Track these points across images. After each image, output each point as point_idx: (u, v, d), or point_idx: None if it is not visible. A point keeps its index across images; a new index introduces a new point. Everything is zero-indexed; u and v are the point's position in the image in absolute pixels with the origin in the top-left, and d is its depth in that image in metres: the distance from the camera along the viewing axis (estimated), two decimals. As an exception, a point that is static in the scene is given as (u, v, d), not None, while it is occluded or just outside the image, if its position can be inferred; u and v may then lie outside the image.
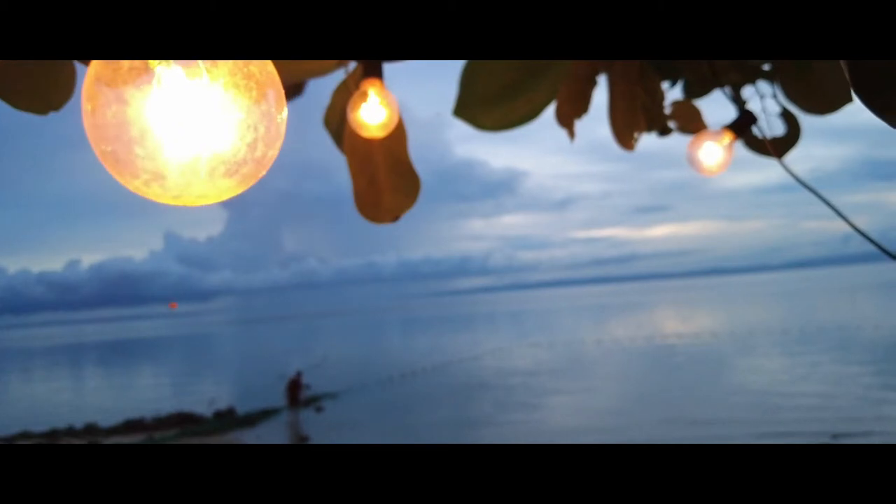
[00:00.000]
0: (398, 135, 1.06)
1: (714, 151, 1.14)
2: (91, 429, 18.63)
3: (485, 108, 1.17)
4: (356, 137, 1.00)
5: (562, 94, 1.15)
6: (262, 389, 22.50)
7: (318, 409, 19.82)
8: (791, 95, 1.10)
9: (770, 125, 1.15)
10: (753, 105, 1.16)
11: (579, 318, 64.63)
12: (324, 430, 17.11)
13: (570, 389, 20.41)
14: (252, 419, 18.84)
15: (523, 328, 56.11)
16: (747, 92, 1.16)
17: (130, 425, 18.70)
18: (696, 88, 1.17)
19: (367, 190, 1.08)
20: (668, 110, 1.20)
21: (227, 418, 19.04)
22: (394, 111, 0.97)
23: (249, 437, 16.73)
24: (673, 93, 1.20)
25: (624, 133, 1.19)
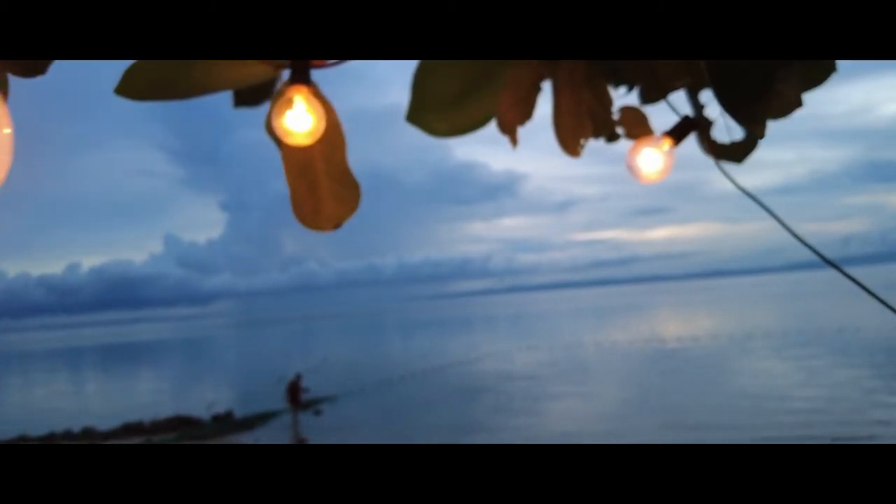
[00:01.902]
0: (337, 142, 1.06)
1: (653, 158, 1.15)
2: (89, 432, 18.61)
3: (438, 113, 1.17)
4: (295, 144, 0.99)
5: (505, 101, 1.15)
6: (261, 393, 22.47)
7: (317, 412, 19.79)
8: (745, 99, 1.09)
9: (730, 130, 1.14)
10: (711, 109, 1.15)
11: (579, 320, 64.68)
12: (322, 432, 17.08)
13: (568, 394, 20.38)
14: (250, 422, 18.82)
15: (523, 331, 56.14)
16: (705, 96, 1.15)
17: (128, 429, 18.68)
18: (651, 93, 1.15)
19: (308, 198, 1.08)
20: (616, 116, 1.19)
21: (225, 422, 19.01)
22: (320, 118, 0.97)
23: (248, 440, 16.71)
24: (629, 98, 1.19)
25: (570, 139, 1.19)
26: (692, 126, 1.13)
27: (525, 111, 1.13)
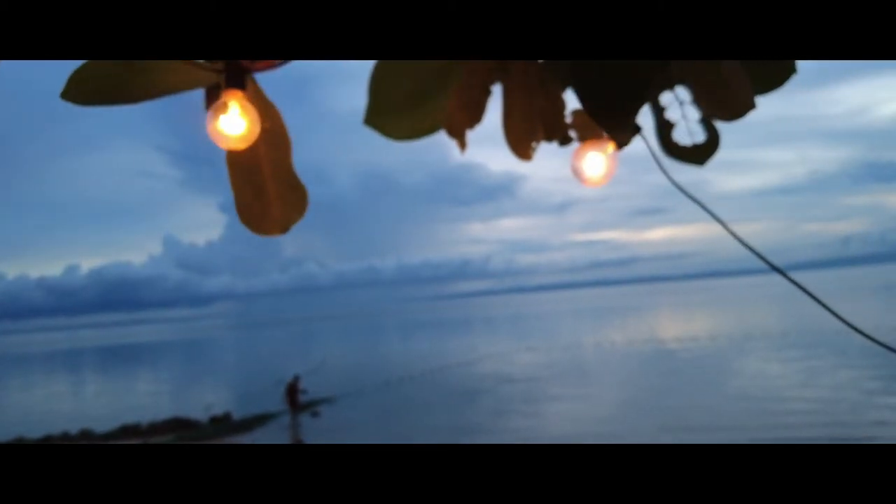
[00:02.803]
0: (283, 145, 1.05)
1: (597, 162, 1.15)
2: (86, 435, 18.59)
3: (394, 116, 1.16)
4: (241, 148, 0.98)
5: (453, 104, 1.13)
6: (259, 394, 22.46)
7: (315, 414, 19.77)
8: (699, 100, 1.09)
9: (691, 131, 1.13)
10: (673, 111, 1.14)
11: (578, 321, 64.68)
12: (320, 434, 17.05)
13: (566, 396, 20.35)
14: (248, 424, 18.80)
15: (522, 332, 56.11)
16: (666, 98, 1.13)
17: (126, 431, 18.66)
18: None
19: (255, 202, 1.07)
20: (568, 119, 1.18)
21: (223, 423, 18.99)
22: (254, 122, 0.96)
23: (245, 442, 16.66)
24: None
25: (521, 142, 1.18)
26: (636, 130, 1.12)
27: (475, 114, 1.12)
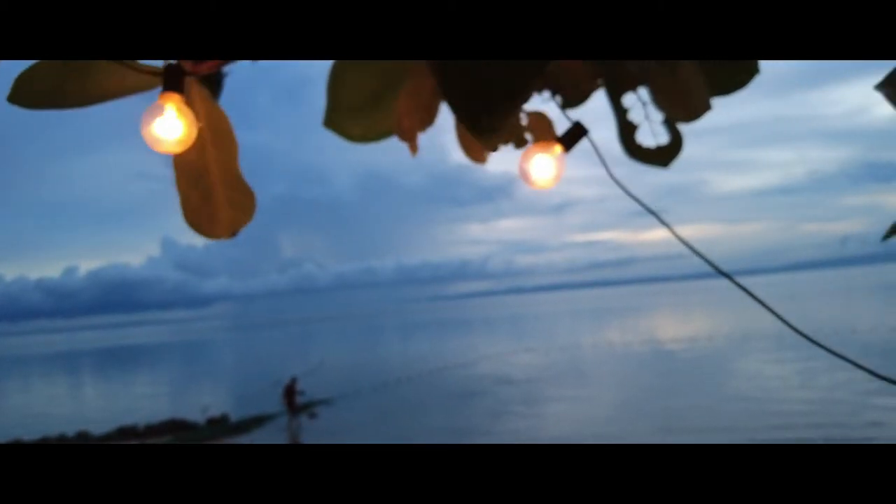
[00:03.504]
0: (231, 148, 1.04)
1: (545, 164, 1.15)
2: (83, 437, 18.56)
3: (352, 118, 1.15)
4: (190, 150, 0.98)
5: (402, 107, 1.11)
6: (257, 396, 22.41)
7: (312, 416, 19.76)
8: (658, 101, 1.08)
9: (655, 133, 1.12)
10: (635, 113, 1.13)
11: (577, 322, 64.69)
12: (317, 436, 17.03)
13: (563, 397, 20.33)
14: (245, 426, 18.78)
15: (521, 333, 56.10)
16: (628, 99, 1.12)
17: (123, 433, 18.64)
18: (573, 97, 1.13)
19: (202, 205, 1.05)
20: (524, 121, 1.16)
21: (220, 425, 18.97)
22: (192, 126, 0.95)
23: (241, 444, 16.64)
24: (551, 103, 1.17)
25: (473, 145, 1.16)
26: (583, 132, 1.11)
27: (426, 117, 1.10)
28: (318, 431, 17.70)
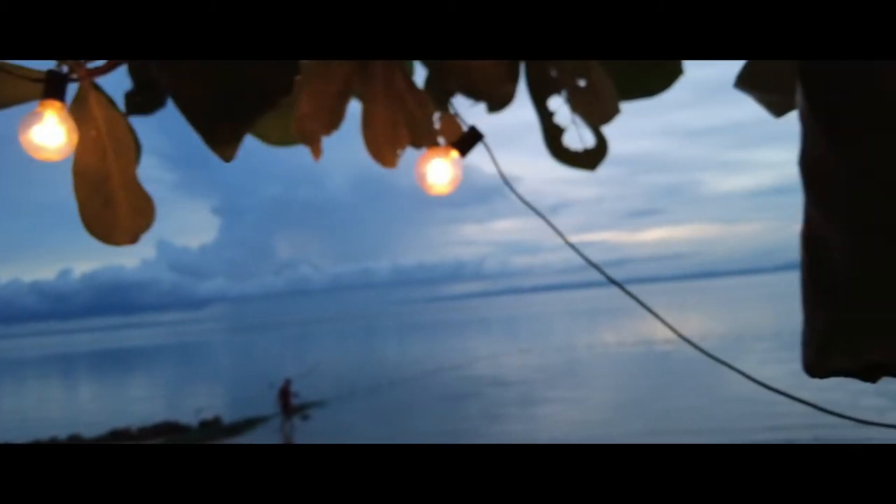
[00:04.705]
0: (131, 154, 1.02)
1: (441, 168, 1.14)
2: (75, 440, 18.50)
3: (270, 120, 1.12)
4: (89, 156, 0.95)
5: (304, 109, 1.09)
6: (251, 398, 22.37)
7: (305, 418, 19.76)
8: (572, 105, 1.07)
9: (582, 137, 1.11)
10: (561, 115, 1.12)
11: (572, 322, 64.81)
12: (310, 438, 17.00)
13: (558, 399, 20.33)
14: (238, 428, 18.76)
15: (516, 334, 56.17)
16: (553, 102, 1.11)
17: (115, 435, 18.60)
18: (493, 100, 1.12)
19: (103, 212, 1.03)
20: (436, 125, 1.15)
21: (213, 427, 18.94)
22: (73, 133, 0.93)
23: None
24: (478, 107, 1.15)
25: (384, 149, 1.15)
26: (478, 137, 1.10)
27: (330, 120, 1.08)
28: (311, 433, 17.68)
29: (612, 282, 1.24)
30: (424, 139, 1.11)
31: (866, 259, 0.56)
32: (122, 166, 1.00)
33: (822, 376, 0.63)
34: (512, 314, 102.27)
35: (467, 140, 1.11)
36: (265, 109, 0.81)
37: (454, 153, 1.10)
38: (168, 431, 18.69)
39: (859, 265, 0.57)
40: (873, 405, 15.40)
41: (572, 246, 1.17)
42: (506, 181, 1.10)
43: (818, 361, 0.62)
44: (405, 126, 1.10)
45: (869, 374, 0.61)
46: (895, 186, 0.55)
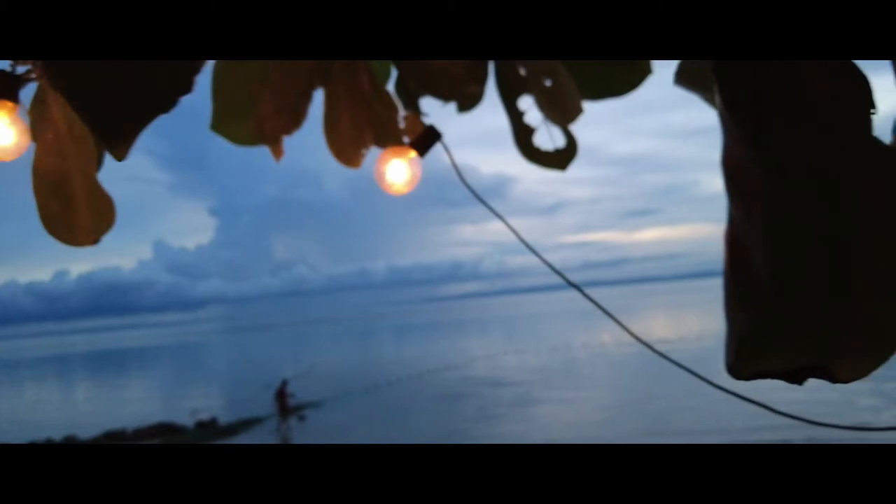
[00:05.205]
0: (91, 155, 1.02)
1: (399, 168, 1.14)
2: (70, 441, 18.45)
3: (236, 120, 1.12)
4: (48, 157, 0.95)
5: (264, 110, 1.09)
6: (247, 399, 22.35)
7: (301, 418, 19.74)
8: (538, 105, 1.07)
9: (553, 137, 1.11)
10: (531, 116, 1.12)
11: (569, 322, 64.78)
12: (306, 438, 16.99)
13: (554, 399, 20.34)
14: (234, 429, 18.74)
15: (513, 334, 56.19)
16: (524, 102, 1.11)
17: (111, 437, 18.57)
18: (462, 100, 1.12)
19: (63, 213, 1.03)
20: (401, 124, 1.15)
21: (208, 428, 18.91)
22: (24, 134, 0.94)
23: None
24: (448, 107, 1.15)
25: (348, 149, 1.15)
26: (435, 137, 1.10)
27: (292, 120, 1.07)
28: (307, 434, 17.66)
29: (572, 284, 1.29)
30: (389, 139, 1.11)
31: (787, 259, 0.56)
32: (82, 167, 1.00)
33: (745, 378, 0.63)
34: (508, 314, 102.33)
35: (425, 139, 1.10)
36: (163, 110, 0.80)
37: (412, 153, 1.10)
38: (164, 432, 18.65)
39: (780, 265, 0.57)
40: (869, 405, 15.44)
41: (520, 237, 1.17)
42: (459, 174, 1.10)
43: (740, 364, 0.62)
44: (369, 126, 1.10)
45: (795, 376, 0.62)
46: (811, 185, 0.56)
